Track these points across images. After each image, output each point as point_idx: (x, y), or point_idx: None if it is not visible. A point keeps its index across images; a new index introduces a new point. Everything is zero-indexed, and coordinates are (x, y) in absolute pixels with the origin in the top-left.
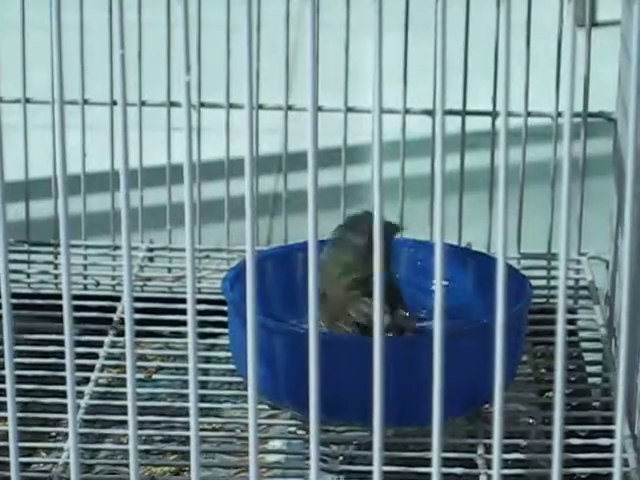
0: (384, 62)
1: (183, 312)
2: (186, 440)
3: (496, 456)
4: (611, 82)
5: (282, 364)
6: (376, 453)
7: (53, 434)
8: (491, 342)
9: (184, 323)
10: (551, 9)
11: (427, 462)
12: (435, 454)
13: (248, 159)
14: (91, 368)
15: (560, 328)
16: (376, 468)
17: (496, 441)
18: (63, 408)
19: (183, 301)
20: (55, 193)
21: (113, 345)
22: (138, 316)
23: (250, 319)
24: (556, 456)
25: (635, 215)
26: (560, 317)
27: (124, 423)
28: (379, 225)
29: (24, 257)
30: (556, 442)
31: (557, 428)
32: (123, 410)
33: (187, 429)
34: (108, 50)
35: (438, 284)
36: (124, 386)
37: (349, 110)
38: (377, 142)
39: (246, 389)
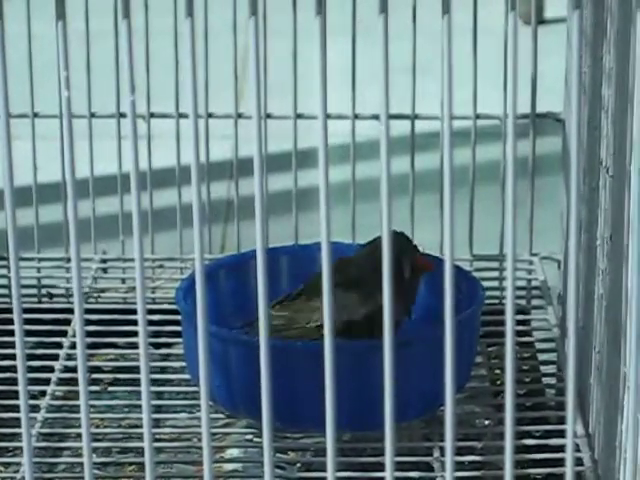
0: (332, 67)
1: (137, 323)
2: (143, 451)
3: (449, 458)
4: (561, 80)
5: (236, 373)
6: (330, 459)
7: (11, 448)
8: (444, 346)
9: (138, 334)
10: (498, 9)
11: (384, 467)
12: (388, 458)
13: (195, 169)
14: (47, 381)
15: (509, 328)
16: (330, 474)
17: (448, 443)
18: (20, 422)
19: (136, 312)
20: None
21: (69, 358)
22: (92, 328)
23: (201, 330)
24: (508, 457)
25: (581, 215)
26: (508, 318)
27: (81, 436)
28: (326, 236)
29: None
30: (508, 443)
31: (508, 429)
32: (80, 422)
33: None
34: (56, 62)
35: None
36: (79, 399)
37: (298, 117)
38: (322, 151)
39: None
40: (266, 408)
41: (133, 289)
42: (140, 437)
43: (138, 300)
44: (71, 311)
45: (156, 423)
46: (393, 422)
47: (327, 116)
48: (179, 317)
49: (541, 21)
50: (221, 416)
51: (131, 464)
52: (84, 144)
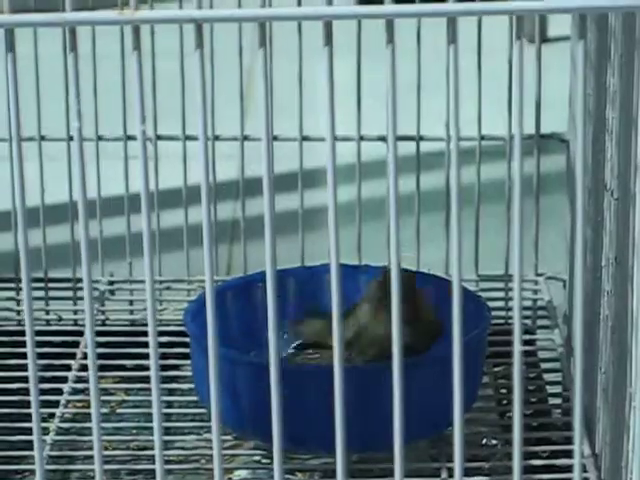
0: (336, 86)
1: (145, 345)
2: (152, 473)
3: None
4: (563, 98)
5: (245, 395)
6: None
7: (20, 471)
8: (451, 367)
9: (146, 356)
10: (502, 29)
11: None
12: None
13: (204, 190)
14: (56, 404)
15: (516, 349)
16: None
17: (457, 464)
18: (29, 445)
19: (145, 334)
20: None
21: (77, 380)
22: (100, 350)
23: (211, 353)
24: (516, 478)
25: (586, 236)
26: (516, 338)
27: (90, 458)
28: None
29: None
30: (516, 464)
31: (516, 449)
32: (89, 445)
33: (153, 462)
34: (63, 85)
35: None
36: (89, 421)
37: (304, 139)
38: (331, 174)
39: (210, 420)
40: (277, 430)
41: (141, 311)
42: (149, 459)
43: (149, 322)
44: (79, 333)
45: (164, 445)
46: (402, 443)
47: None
48: (187, 339)
49: (545, 39)
50: (229, 437)
51: None
52: (90, 166)
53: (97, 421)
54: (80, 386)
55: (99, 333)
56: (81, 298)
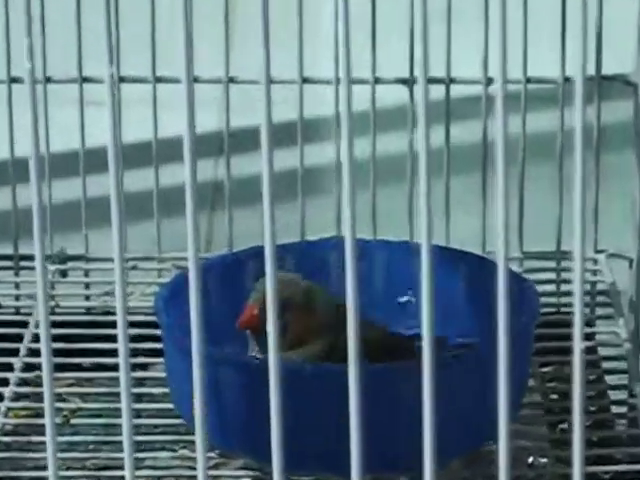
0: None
1: (105, 339)
2: None
3: None
4: (632, 33)
5: (232, 403)
6: None
7: None
8: (489, 367)
9: (107, 353)
10: None
11: None
12: None
13: (188, 145)
14: None
15: (577, 346)
16: None
17: None
18: None
19: (104, 325)
20: None
21: (20, 383)
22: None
23: (196, 354)
24: None
25: None
26: (577, 332)
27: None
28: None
29: None
30: None
31: (577, 471)
32: (36, 463)
33: None
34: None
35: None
36: (36, 433)
37: (305, 81)
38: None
39: (186, 433)
40: (276, 446)
41: (100, 296)
42: None
43: (118, 310)
44: (22, 324)
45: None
46: (433, 462)
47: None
48: (158, 331)
49: None
50: (212, 455)
51: None
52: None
53: (52, 434)
54: (24, 390)
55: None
56: (27, 281)
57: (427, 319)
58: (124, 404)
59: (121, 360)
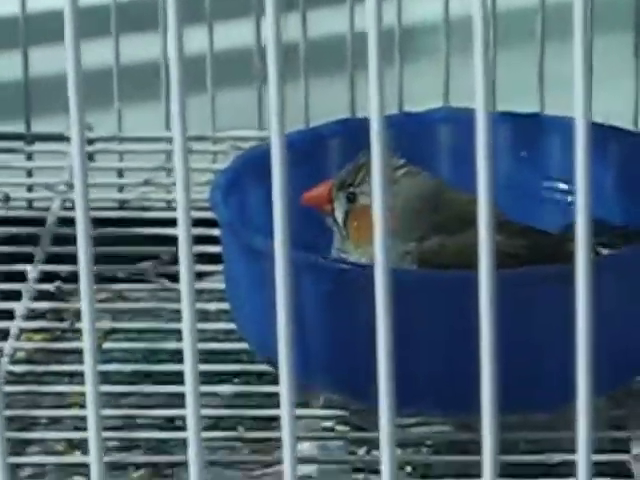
0: None
1: (145, 242)
2: (156, 446)
3: None
4: None
5: (314, 322)
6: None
7: None
8: None
9: (147, 257)
10: None
11: (550, 469)
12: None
13: None
14: (3, 334)
15: None
16: None
17: None
18: None
19: (142, 223)
20: None
21: (36, 297)
22: (70, 248)
23: (280, 258)
24: None
25: None
26: None
27: (58, 422)
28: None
29: None
30: None
31: None
32: (56, 401)
33: (159, 428)
34: None
35: None
36: (56, 361)
37: None
38: None
39: (253, 362)
40: (384, 378)
41: (136, 187)
42: (150, 426)
43: (180, 204)
44: (38, 222)
45: (180, 400)
46: (589, 400)
47: None
48: (213, 231)
49: None
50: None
51: (139, 466)
52: None
53: (93, 364)
54: (41, 306)
55: (67, 222)
56: (43, 167)
57: (583, 214)
58: (187, 325)
59: (182, 268)
